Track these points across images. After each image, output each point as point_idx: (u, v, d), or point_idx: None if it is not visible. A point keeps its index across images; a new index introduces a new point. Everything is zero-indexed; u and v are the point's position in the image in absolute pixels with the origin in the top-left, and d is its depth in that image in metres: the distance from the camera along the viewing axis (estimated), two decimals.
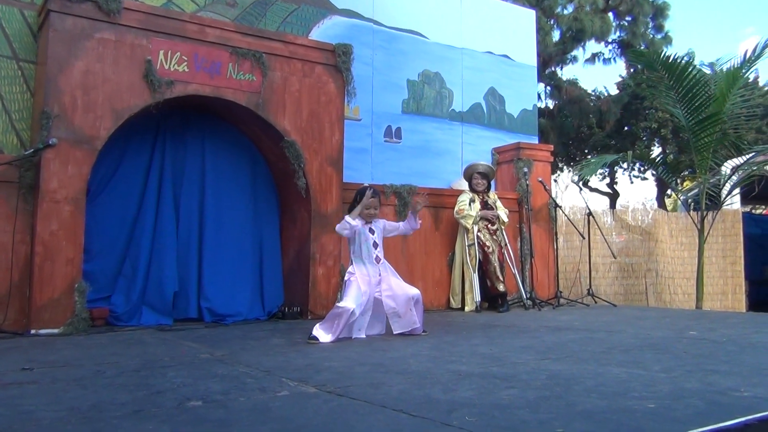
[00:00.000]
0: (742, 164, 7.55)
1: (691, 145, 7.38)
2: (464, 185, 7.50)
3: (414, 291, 4.66)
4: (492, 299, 7.07)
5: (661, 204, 20.50)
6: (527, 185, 7.56)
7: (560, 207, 7.93)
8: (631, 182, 22.04)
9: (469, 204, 7.05)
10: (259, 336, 4.79)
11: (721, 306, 9.42)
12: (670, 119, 16.96)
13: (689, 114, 7.40)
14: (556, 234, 7.86)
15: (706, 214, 7.70)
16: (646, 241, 9.57)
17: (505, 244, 7.19)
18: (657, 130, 18.07)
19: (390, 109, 7.91)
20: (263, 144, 6.41)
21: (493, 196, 7.35)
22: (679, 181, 19.17)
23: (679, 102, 7.39)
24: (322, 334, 4.36)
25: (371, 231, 4.74)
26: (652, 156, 13.03)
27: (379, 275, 4.66)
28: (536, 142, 9.05)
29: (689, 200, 10.49)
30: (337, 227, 4.65)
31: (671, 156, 18.68)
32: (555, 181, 32.01)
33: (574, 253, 9.06)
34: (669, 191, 20.05)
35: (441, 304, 7.19)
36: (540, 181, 7.53)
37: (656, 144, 20.16)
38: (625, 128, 19.80)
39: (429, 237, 7.24)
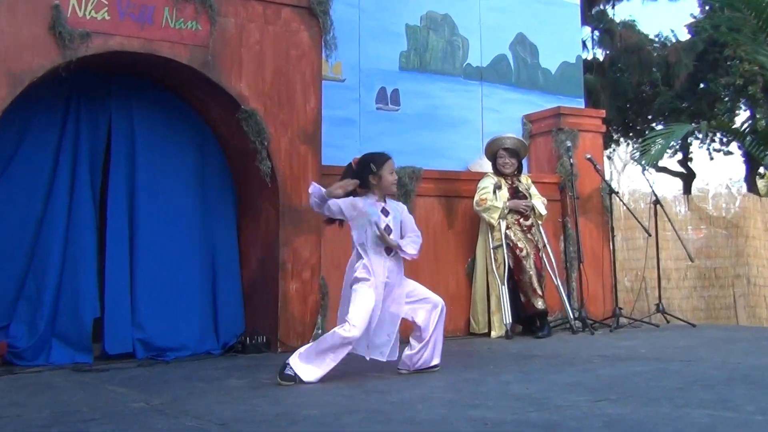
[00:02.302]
0: None
1: None
2: (487, 166, 7.48)
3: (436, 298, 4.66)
4: (528, 320, 7.05)
5: (752, 186, 20.53)
6: (571, 164, 7.53)
7: (617, 193, 7.91)
8: (711, 158, 22.04)
9: (494, 192, 7.03)
10: (212, 376, 4.75)
11: None
12: (760, 72, 16.96)
13: None
14: (612, 230, 7.84)
15: None
16: (733, 238, 9.58)
17: (544, 245, 7.16)
18: (743, 87, 18.03)
19: (384, 65, 7.88)
20: (213, 115, 6.36)
21: (525, 180, 7.33)
22: None
23: None
24: (306, 370, 4.24)
25: (384, 212, 4.59)
26: (737, 124, 13.04)
27: (389, 275, 4.51)
28: (582, 106, 9.05)
29: None
30: (317, 199, 4.43)
31: (763, 122, 18.68)
32: (609, 158, 32.18)
33: (638, 255, 9.05)
34: (762, 169, 20.11)
35: (459, 329, 7.17)
36: (589, 159, 7.52)
37: (742, 106, 20.17)
38: (701, 85, 19.79)
39: (440, 237, 7.21)
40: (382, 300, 4.45)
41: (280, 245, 6.14)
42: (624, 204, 8.44)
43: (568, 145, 7.65)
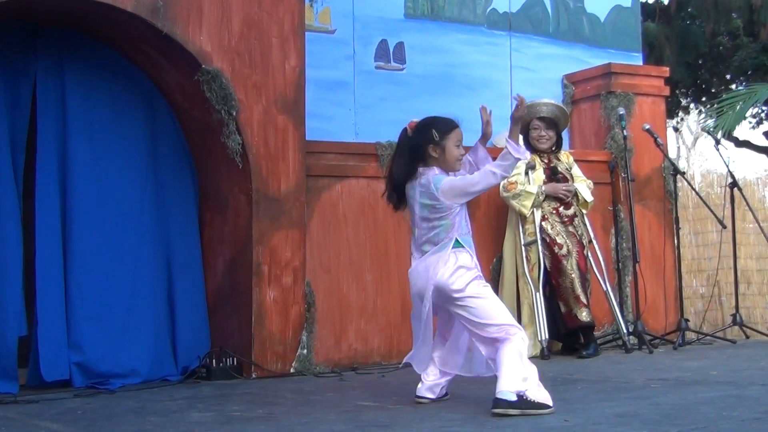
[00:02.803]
0: None
1: None
2: None
3: None
4: (569, 335, 7.11)
5: None
6: (625, 138, 7.58)
7: (684, 174, 7.95)
8: None
9: (526, 173, 7.08)
10: (169, 409, 4.79)
11: None
12: None
13: None
14: (677, 221, 7.88)
15: None
16: None
17: (590, 241, 7.21)
18: None
19: (384, 12, 7.91)
20: (168, 79, 6.40)
21: (566, 158, 7.38)
22: None
23: None
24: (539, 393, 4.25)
25: None
26: None
27: None
28: (640, 62, 9.07)
29: None
30: (497, 175, 4.56)
31: None
32: (676, 129, 32.13)
33: (710, 253, 9.10)
34: None
35: None
36: (647, 130, 7.57)
37: None
38: None
39: None
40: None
41: (254, 243, 6.18)
42: (693, 188, 8.47)
43: (621, 112, 7.68)
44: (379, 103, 7.73)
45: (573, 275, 6.93)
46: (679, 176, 7.88)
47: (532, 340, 6.94)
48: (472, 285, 4.49)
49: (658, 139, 7.56)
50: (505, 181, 7.06)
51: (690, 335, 7.50)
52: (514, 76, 8.39)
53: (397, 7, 7.98)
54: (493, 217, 7.38)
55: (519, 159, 4.57)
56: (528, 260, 7.02)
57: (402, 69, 7.93)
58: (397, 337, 6.89)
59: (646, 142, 7.72)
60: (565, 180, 7.17)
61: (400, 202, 4.79)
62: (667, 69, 8.69)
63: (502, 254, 7.29)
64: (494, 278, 7.31)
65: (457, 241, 4.55)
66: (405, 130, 4.74)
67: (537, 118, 7.24)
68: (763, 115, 21.71)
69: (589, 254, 7.16)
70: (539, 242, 6.97)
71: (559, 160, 7.29)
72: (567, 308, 6.93)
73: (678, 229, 7.83)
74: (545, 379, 5.56)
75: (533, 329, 6.92)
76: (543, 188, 7.05)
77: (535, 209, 7.01)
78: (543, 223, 7.03)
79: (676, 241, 7.84)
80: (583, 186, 7.20)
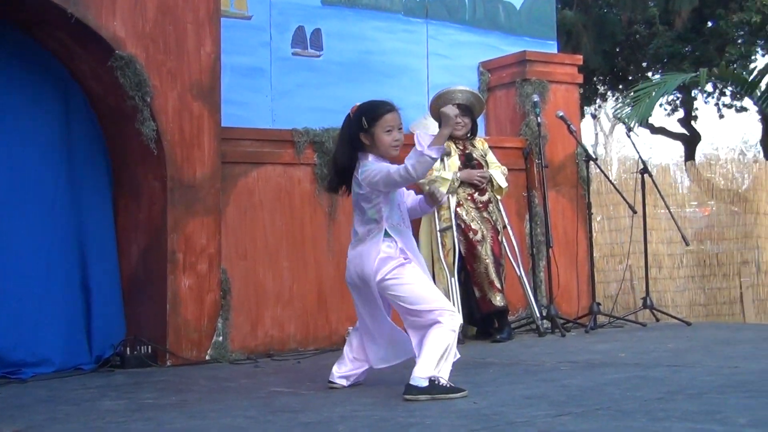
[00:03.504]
0: None
1: None
2: (433, 127, 7.57)
3: None
4: (484, 320, 7.21)
5: None
6: (539, 124, 7.69)
7: (596, 160, 8.10)
8: (721, 115, 22.55)
9: (441, 160, 7.14)
10: (81, 397, 4.79)
11: None
12: None
13: None
14: (590, 207, 8.03)
15: None
16: (742, 215, 9.89)
17: (504, 227, 7.31)
18: (760, 26, 18.42)
19: None
20: (80, 65, 6.35)
21: (481, 144, 7.46)
22: None
23: None
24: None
25: None
26: (750, 74, 13.30)
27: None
28: (555, 50, 9.19)
29: None
30: (419, 167, 4.29)
31: None
32: (593, 116, 32.61)
33: (623, 238, 9.29)
34: None
35: None
36: (561, 117, 7.68)
37: (759, 50, 20.62)
38: (708, 24, 20.17)
39: None
40: None
41: (169, 231, 6.17)
42: (605, 174, 8.64)
43: (536, 100, 7.78)
44: (296, 89, 7.74)
45: (487, 261, 7.02)
46: (591, 163, 8.03)
47: None
48: (394, 272, 4.47)
49: (571, 126, 7.67)
50: None
51: (602, 318, 7.65)
52: (431, 63, 8.45)
53: None
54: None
55: (426, 155, 4.27)
56: (443, 246, 7.10)
57: (319, 56, 7.94)
58: (313, 323, 6.93)
59: (560, 129, 7.83)
60: (479, 166, 7.24)
61: (339, 187, 4.78)
62: (581, 57, 8.82)
63: (418, 240, 7.33)
64: None
65: (386, 231, 4.52)
66: (348, 115, 4.67)
67: (453, 105, 7.29)
68: (678, 102, 22.13)
69: (504, 240, 7.26)
70: (454, 228, 7.04)
71: (474, 146, 7.37)
72: (481, 293, 7.01)
73: (590, 214, 7.98)
74: (459, 362, 5.65)
75: None
76: (458, 174, 7.12)
77: (450, 195, 7.07)
78: (458, 209, 7.10)
79: (588, 227, 7.97)
80: (498, 172, 7.28)
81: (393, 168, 4.41)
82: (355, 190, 4.61)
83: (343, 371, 4.79)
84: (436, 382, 4.20)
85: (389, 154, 4.57)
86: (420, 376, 4.20)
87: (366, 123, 4.52)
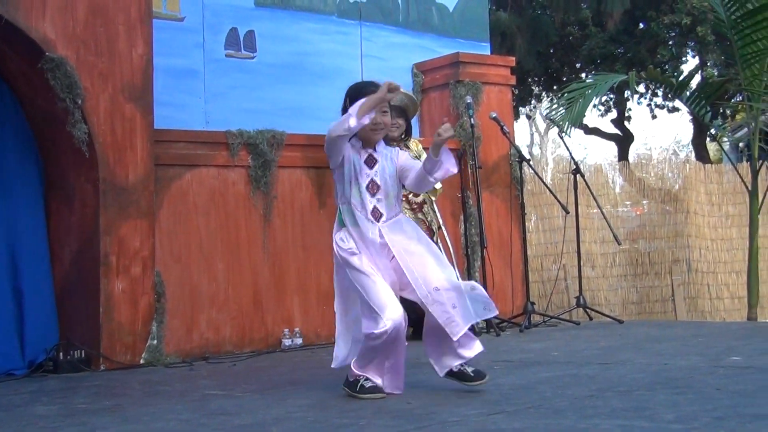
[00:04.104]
0: None
1: (736, 54, 7.80)
2: None
3: (444, 277, 4.38)
4: (419, 321, 7.20)
5: (701, 151, 21.41)
6: (473, 126, 7.75)
7: (529, 161, 8.19)
8: (653, 116, 22.87)
9: None
10: (13, 403, 4.74)
11: None
12: (711, 11, 17.65)
13: (731, 2, 7.80)
14: (523, 207, 8.12)
15: (761, 165, 8.16)
16: (673, 214, 10.08)
17: (438, 227, 7.36)
18: (690, 28, 18.71)
19: (234, 0, 7.89)
20: (10, 67, 6.30)
21: (415, 145, 7.49)
22: (727, 114, 19.80)
23: None
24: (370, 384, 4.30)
25: (370, 162, 4.46)
26: (679, 76, 13.56)
27: (382, 243, 4.38)
28: (488, 52, 9.27)
29: (740, 144, 11.09)
30: (332, 126, 4.32)
31: (713, 72, 19.40)
32: (528, 117, 32.90)
33: (557, 238, 9.41)
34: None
35: (334, 334, 7.30)
36: (494, 118, 7.74)
37: (690, 52, 20.94)
38: (640, 26, 20.42)
39: (309, 219, 7.35)
40: (386, 272, 4.39)
41: (101, 234, 6.13)
42: (538, 175, 8.74)
43: (469, 101, 7.83)
44: (230, 91, 7.72)
45: None
46: (524, 164, 8.11)
47: None
48: (339, 268, 4.59)
49: (504, 128, 7.74)
50: None
51: (536, 318, 7.73)
52: (365, 65, 8.48)
53: None
54: None
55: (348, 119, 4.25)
56: None
57: (253, 57, 7.93)
58: (249, 325, 6.92)
59: (493, 130, 7.90)
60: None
61: None
62: (513, 59, 8.90)
63: None
64: None
65: (339, 211, 4.52)
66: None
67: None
68: (611, 103, 22.39)
69: (439, 241, 7.30)
70: None
71: (408, 148, 7.38)
72: None
73: (524, 214, 8.07)
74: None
75: None
76: None
77: None
78: None
79: (522, 227, 8.06)
80: None
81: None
82: None
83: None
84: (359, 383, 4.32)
85: (369, 138, 4.43)
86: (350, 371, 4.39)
87: (348, 104, 4.39)
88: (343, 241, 4.51)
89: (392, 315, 4.30)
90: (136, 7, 6.36)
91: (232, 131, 7.00)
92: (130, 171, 6.26)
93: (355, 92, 4.45)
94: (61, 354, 6.03)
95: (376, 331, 4.26)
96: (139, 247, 6.27)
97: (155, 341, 6.30)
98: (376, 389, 4.29)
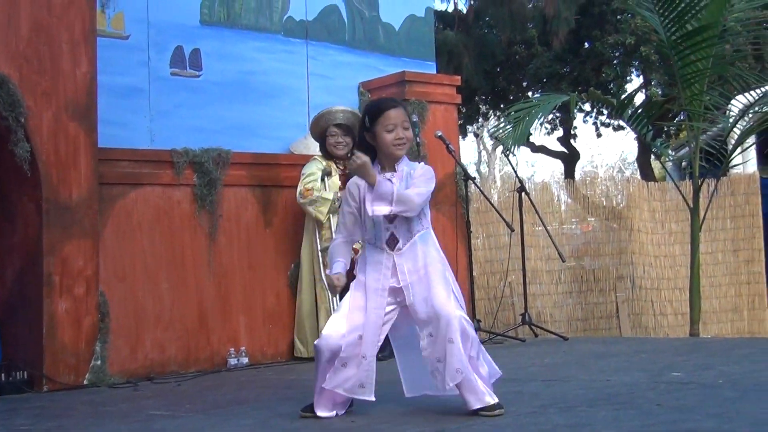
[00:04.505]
0: (754, 102, 8.20)
1: (676, 74, 7.93)
2: (314, 147, 7.64)
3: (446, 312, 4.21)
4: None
5: (646, 170, 21.69)
6: (419, 144, 7.79)
7: (474, 179, 8.25)
8: (599, 135, 23.15)
9: (323, 179, 7.20)
10: None
11: (733, 330, 10.23)
12: (654, 31, 17.89)
13: (671, 23, 7.94)
14: (469, 225, 8.17)
15: (702, 182, 8.30)
16: (617, 231, 10.21)
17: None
18: (634, 48, 18.96)
19: (180, 18, 7.87)
20: None
21: None
22: (671, 132, 20.03)
23: (654, 3, 7.91)
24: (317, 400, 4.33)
25: None
26: (621, 96, 13.74)
27: (395, 274, 4.32)
28: (434, 71, 9.34)
29: (682, 162, 11.25)
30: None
31: (657, 91, 19.67)
32: (476, 135, 33.06)
33: (503, 255, 9.47)
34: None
35: (280, 353, 7.35)
36: (440, 137, 7.78)
37: (634, 71, 21.22)
38: (585, 45, 20.67)
39: (255, 238, 7.34)
40: (380, 306, 4.34)
41: (45, 253, 6.08)
42: (483, 192, 8.80)
43: (415, 120, 7.85)
44: (175, 109, 7.70)
45: None
46: (470, 183, 8.16)
47: None
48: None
49: (449, 146, 7.78)
50: (302, 187, 7.18)
51: (482, 335, 7.75)
52: (311, 84, 8.50)
53: (192, 14, 7.95)
54: (290, 223, 7.47)
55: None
56: (325, 266, 7.13)
57: (198, 76, 7.92)
58: (194, 345, 6.90)
59: (439, 148, 7.92)
60: None
61: None
62: (459, 78, 8.96)
63: (300, 261, 7.38)
64: (292, 284, 7.42)
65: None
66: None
67: (334, 125, 7.36)
68: (557, 121, 22.62)
69: None
70: None
71: None
72: None
73: (470, 232, 8.12)
74: None
75: None
76: (339, 194, 7.17)
77: (331, 215, 7.12)
78: None
79: (468, 244, 8.10)
80: None
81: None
82: None
83: None
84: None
85: (393, 154, 4.33)
86: None
87: (368, 122, 4.33)
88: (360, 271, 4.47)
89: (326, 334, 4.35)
90: (80, 25, 6.34)
91: (177, 150, 6.99)
92: (74, 190, 6.22)
93: (373, 109, 4.38)
94: (2, 375, 5.96)
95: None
96: (83, 266, 6.23)
97: (99, 362, 6.26)
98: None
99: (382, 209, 4.20)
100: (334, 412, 4.31)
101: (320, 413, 4.27)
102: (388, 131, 4.28)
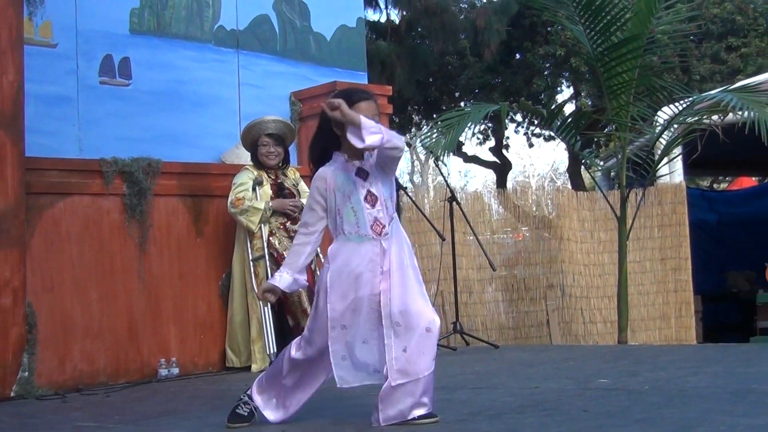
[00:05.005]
0: (679, 113, 8.37)
1: (602, 86, 8.08)
2: (245, 157, 7.64)
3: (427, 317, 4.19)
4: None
5: (577, 180, 21.99)
6: None
7: (405, 189, 8.31)
8: (530, 144, 23.42)
9: (254, 189, 7.20)
10: None
11: (661, 337, 10.41)
12: (581, 43, 18.17)
13: (597, 35, 8.08)
14: None
15: (629, 192, 8.45)
16: (548, 240, 10.34)
17: (317, 255, 7.43)
18: (564, 59, 19.21)
19: (109, 26, 7.82)
20: None
21: (293, 174, 7.55)
22: (601, 142, 20.37)
23: (579, 15, 8.04)
24: (263, 404, 4.38)
25: (361, 174, 4.20)
26: (551, 106, 13.92)
27: (385, 259, 4.18)
28: (365, 81, 9.36)
29: (611, 172, 11.43)
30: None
31: (587, 102, 19.97)
32: (409, 145, 33.14)
33: (434, 264, 9.54)
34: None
35: (211, 363, 7.32)
36: (371, 146, 7.84)
37: (564, 82, 21.52)
38: (516, 56, 20.89)
39: (186, 248, 7.31)
40: (361, 305, 4.17)
41: None
42: (414, 202, 8.87)
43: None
44: (105, 118, 7.64)
45: (300, 290, 7.09)
46: (401, 192, 8.22)
47: (262, 354, 7.08)
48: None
49: None
50: (233, 197, 7.17)
51: None
52: (243, 93, 8.50)
53: (122, 22, 7.90)
54: (221, 233, 7.45)
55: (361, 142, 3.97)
56: (256, 275, 7.13)
57: (128, 84, 7.88)
58: (124, 356, 6.84)
59: None
60: (292, 195, 7.32)
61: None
62: (390, 87, 9.01)
63: (231, 270, 7.37)
64: (224, 294, 7.40)
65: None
66: (323, 111, 4.14)
67: (265, 135, 7.36)
68: (489, 131, 22.82)
69: (317, 268, 7.35)
70: (267, 257, 7.09)
71: (286, 176, 7.45)
72: (295, 322, 7.06)
73: None
74: None
75: (262, 344, 7.06)
76: (270, 204, 7.17)
77: (262, 225, 7.13)
78: (270, 238, 7.16)
79: None
80: None
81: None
82: None
83: None
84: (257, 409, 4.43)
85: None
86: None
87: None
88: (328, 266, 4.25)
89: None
90: (7, 33, 6.26)
91: (106, 159, 6.93)
92: (0, 200, 6.15)
93: (347, 100, 4.08)
94: None
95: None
96: (10, 277, 6.14)
97: (26, 373, 6.18)
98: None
99: (374, 138, 3.95)
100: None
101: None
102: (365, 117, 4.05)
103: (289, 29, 9.00)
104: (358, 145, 3.98)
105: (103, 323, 6.78)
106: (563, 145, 23.19)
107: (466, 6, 20.66)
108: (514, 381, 5.60)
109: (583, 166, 21.53)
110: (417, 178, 40.14)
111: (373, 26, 19.57)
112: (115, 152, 7.09)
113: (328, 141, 4.23)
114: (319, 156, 4.30)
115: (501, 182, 23.02)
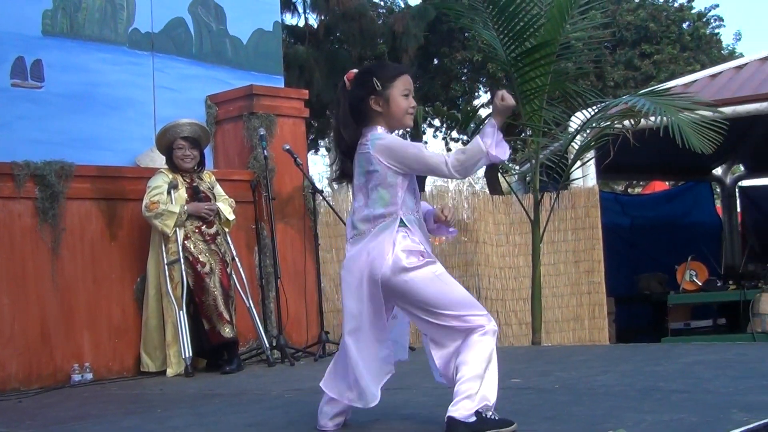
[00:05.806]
0: (591, 117, 8.52)
1: (516, 91, 8.20)
2: (160, 160, 7.60)
3: None
4: (213, 352, 7.27)
5: (494, 184, 22.18)
6: (266, 157, 7.84)
7: (321, 192, 8.35)
8: (449, 149, 23.60)
9: (169, 192, 7.18)
10: None
11: (575, 338, 10.58)
12: (493, 48, 18.38)
13: (510, 41, 8.20)
14: (317, 238, 8.26)
15: (542, 196, 8.59)
16: (463, 243, 10.44)
17: (233, 259, 7.42)
18: (481, 64, 19.41)
19: (21, 27, 7.73)
20: None
21: (208, 177, 7.54)
22: (517, 147, 20.72)
23: (493, 21, 8.15)
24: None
25: None
26: (465, 112, 14.03)
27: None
28: (282, 85, 9.39)
29: (526, 177, 11.59)
30: (469, 165, 3.71)
31: None
32: (328, 150, 33.05)
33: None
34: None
35: (126, 368, 7.26)
36: (288, 150, 7.85)
37: (481, 87, 21.77)
38: (434, 61, 21.06)
39: (100, 252, 7.25)
40: None
41: None
42: (330, 206, 8.90)
43: (262, 133, 7.91)
44: (17, 121, 7.53)
45: (216, 292, 7.09)
46: (317, 196, 8.28)
47: (177, 359, 7.06)
48: (420, 270, 3.78)
49: (297, 159, 7.86)
50: (147, 200, 7.14)
51: (331, 347, 7.82)
52: (158, 96, 8.44)
53: (34, 24, 7.79)
54: (136, 236, 7.40)
55: (486, 156, 3.66)
56: (171, 279, 7.11)
57: (40, 87, 7.77)
58: (36, 361, 6.76)
59: (287, 162, 7.99)
60: (207, 199, 7.32)
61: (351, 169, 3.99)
62: (307, 92, 9.03)
63: (146, 274, 7.33)
64: (138, 297, 7.35)
65: (402, 221, 3.82)
66: (343, 83, 3.98)
67: (180, 138, 7.34)
68: (408, 136, 22.94)
69: (232, 272, 7.36)
70: (182, 261, 7.07)
71: (201, 179, 7.44)
72: (210, 325, 7.06)
73: (318, 245, 8.21)
74: (185, 395, 5.74)
75: (177, 348, 7.03)
76: (186, 207, 7.15)
77: (177, 228, 7.10)
78: (186, 242, 7.13)
79: (317, 258, 8.18)
80: (225, 205, 7.39)
81: (439, 156, 3.83)
82: (361, 168, 3.89)
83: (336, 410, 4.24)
84: (485, 415, 3.70)
85: (403, 123, 3.92)
86: (466, 409, 3.72)
87: (379, 84, 3.86)
88: (408, 241, 3.83)
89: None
90: None
91: (17, 162, 6.84)
92: None
93: (385, 71, 3.93)
94: None
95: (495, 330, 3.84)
96: None
97: None
98: (505, 420, 3.77)
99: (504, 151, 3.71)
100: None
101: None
102: (404, 95, 3.89)
103: (205, 32, 8.97)
104: (492, 149, 3.65)
105: (15, 328, 6.69)
106: None
107: (384, 11, 20.80)
108: (427, 381, 5.59)
109: (501, 171, 21.79)
110: (334, 183, 40.04)
111: (291, 30, 19.60)
112: (26, 155, 7.00)
113: (359, 119, 3.92)
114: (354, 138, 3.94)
115: (420, 186, 23.11)
